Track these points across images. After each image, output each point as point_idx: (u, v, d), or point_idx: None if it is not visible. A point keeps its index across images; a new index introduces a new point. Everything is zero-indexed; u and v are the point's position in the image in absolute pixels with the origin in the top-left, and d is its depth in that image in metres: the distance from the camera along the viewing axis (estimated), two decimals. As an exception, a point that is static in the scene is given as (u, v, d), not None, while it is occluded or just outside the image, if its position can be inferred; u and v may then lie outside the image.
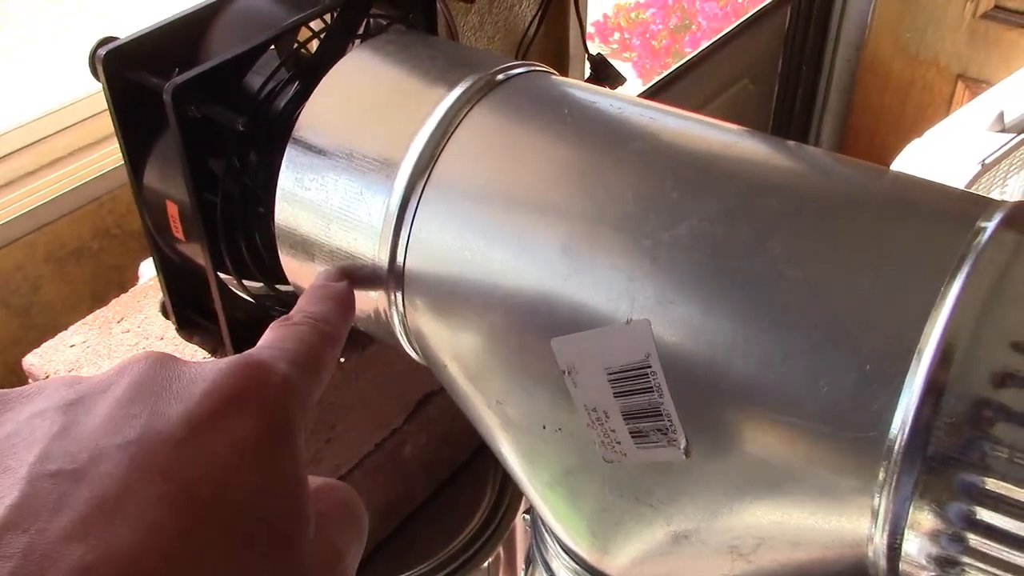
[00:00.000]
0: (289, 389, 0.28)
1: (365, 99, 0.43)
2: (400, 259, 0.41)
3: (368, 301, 0.43)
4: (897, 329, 0.30)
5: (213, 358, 0.53)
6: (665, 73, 1.72)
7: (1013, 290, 0.29)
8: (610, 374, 0.35)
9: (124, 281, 0.95)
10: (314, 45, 0.49)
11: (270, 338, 0.32)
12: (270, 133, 0.46)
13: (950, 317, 0.29)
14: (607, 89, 0.45)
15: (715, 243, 0.34)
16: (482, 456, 0.66)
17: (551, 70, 0.46)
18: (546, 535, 0.45)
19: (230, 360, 0.27)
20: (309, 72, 0.47)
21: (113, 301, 0.56)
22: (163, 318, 0.55)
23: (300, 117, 0.43)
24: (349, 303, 0.37)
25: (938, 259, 0.30)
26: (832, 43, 2.09)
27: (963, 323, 0.29)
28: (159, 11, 0.51)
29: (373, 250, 0.41)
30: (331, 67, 0.44)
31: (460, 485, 0.66)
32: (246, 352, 0.29)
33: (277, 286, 0.52)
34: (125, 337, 0.54)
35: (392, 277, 0.41)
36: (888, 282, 0.31)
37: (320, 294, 0.36)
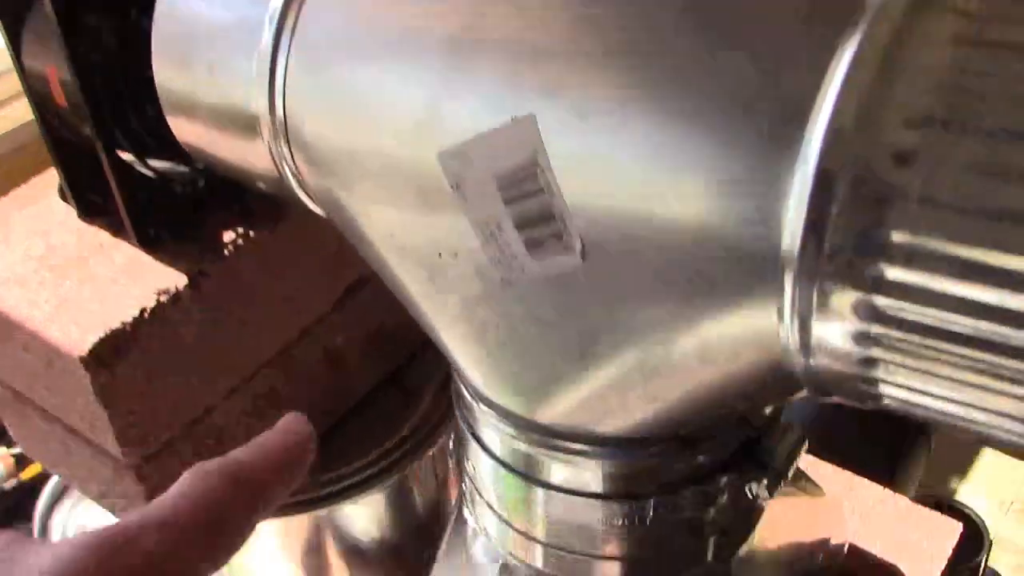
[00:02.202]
0: (154, 571, 0.24)
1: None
2: (279, 103, 0.38)
3: (260, 158, 0.41)
4: (786, 107, 0.26)
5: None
6: None
7: (906, 62, 0.26)
8: (499, 180, 0.32)
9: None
10: None
11: (169, 492, 0.27)
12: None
13: (839, 96, 0.25)
14: None
15: (599, 23, 0.31)
16: (430, 349, 0.64)
17: None
18: (466, 395, 0.42)
19: (78, 541, 0.24)
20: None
21: (12, 192, 0.53)
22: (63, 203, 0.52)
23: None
24: (297, 459, 0.32)
25: (827, 29, 0.27)
26: None
27: (853, 101, 0.25)
28: None
29: (248, 99, 0.38)
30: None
31: (405, 378, 0.63)
32: (109, 525, 0.25)
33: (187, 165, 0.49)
34: (30, 223, 0.51)
35: (275, 125, 0.39)
36: (774, 57, 0.28)
37: (266, 443, 0.31)
